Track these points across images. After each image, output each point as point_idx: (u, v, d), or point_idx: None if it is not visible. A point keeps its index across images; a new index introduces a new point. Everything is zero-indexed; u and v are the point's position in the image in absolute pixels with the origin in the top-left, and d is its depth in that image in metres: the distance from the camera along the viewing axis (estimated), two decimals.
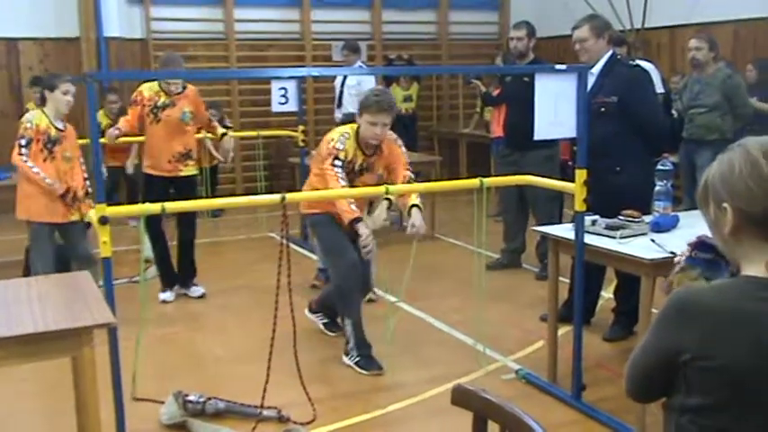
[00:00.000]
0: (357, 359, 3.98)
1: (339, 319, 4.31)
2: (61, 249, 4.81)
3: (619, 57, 4.28)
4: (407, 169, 4.12)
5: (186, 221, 5.19)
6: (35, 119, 4.55)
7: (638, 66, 4.39)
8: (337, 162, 3.88)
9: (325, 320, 4.53)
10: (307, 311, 4.51)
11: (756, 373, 1.38)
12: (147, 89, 5.04)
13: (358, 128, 3.98)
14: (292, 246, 6.14)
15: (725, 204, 1.42)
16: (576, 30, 4.19)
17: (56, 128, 4.59)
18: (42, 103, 4.69)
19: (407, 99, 9.34)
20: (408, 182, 4.08)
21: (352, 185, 3.93)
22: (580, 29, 4.17)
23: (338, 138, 3.95)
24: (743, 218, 1.41)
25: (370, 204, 4.49)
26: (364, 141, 3.98)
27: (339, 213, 3.90)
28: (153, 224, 4.95)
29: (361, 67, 7.82)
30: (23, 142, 4.51)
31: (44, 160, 4.55)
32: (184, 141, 5.07)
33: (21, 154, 4.51)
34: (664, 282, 1.90)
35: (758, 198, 1.38)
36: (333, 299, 4.25)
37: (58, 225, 4.68)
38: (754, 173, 1.39)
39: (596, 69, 4.09)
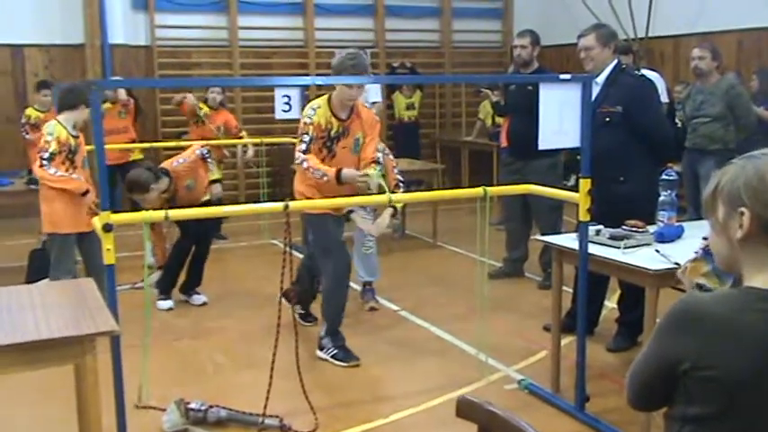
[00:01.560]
0: (334, 351, 4.01)
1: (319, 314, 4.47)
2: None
3: (624, 66, 4.28)
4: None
5: (203, 236, 5.25)
6: (56, 131, 4.54)
7: (643, 75, 4.38)
8: (305, 138, 3.90)
9: (301, 311, 4.66)
10: (284, 300, 4.58)
11: (756, 384, 1.39)
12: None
13: (329, 96, 4.01)
14: (295, 253, 6.16)
15: (743, 209, 1.43)
16: (581, 38, 4.19)
17: (73, 137, 4.61)
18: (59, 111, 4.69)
19: (410, 107, 9.35)
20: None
21: (330, 153, 3.98)
22: (586, 37, 4.16)
23: (307, 112, 3.97)
24: (761, 227, 1.42)
25: (374, 211, 4.53)
26: (339, 106, 3.99)
27: (323, 191, 3.98)
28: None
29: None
30: (46, 156, 4.50)
31: (67, 170, 4.56)
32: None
33: (42, 166, 4.51)
34: (678, 271, 1.90)
35: None
36: (306, 291, 4.62)
37: (80, 235, 4.66)
38: None
39: (601, 79, 4.09)
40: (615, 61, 4.16)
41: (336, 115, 4.00)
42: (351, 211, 4.23)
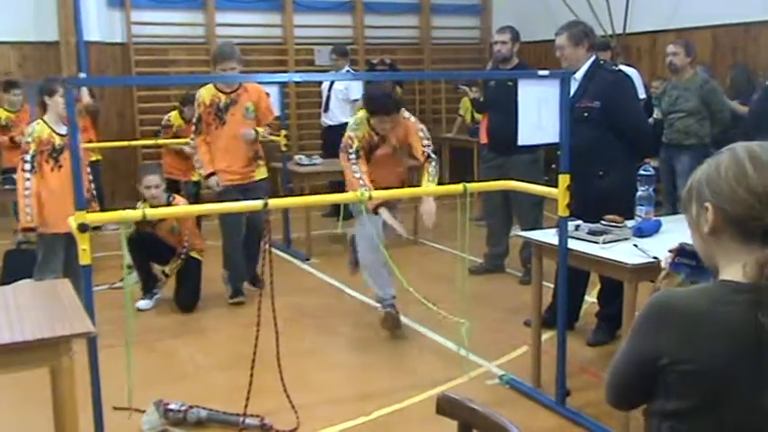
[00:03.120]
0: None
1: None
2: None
3: (602, 62, 4.30)
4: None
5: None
6: (35, 132, 4.49)
7: (620, 71, 4.41)
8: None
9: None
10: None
11: (732, 377, 1.40)
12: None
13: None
14: (275, 251, 6.13)
15: (707, 204, 1.45)
16: (556, 36, 4.23)
17: (59, 135, 4.51)
18: (42, 110, 4.63)
19: None
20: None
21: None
22: (559, 36, 4.20)
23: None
24: (724, 218, 1.43)
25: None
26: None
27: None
28: None
29: (348, 71, 7.80)
30: (27, 158, 4.47)
31: (51, 170, 4.49)
32: None
33: (24, 170, 4.47)
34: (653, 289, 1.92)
35: (740, 199, 1.41)
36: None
37: (68, 235, 4.60)
38: (738, 174, 1.41)
39: (579, 74, 4.11)
40: (593, 57, 4.18)
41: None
42: (379, 205, 4.23)
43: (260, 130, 5.12)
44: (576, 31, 4.20)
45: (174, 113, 7.27)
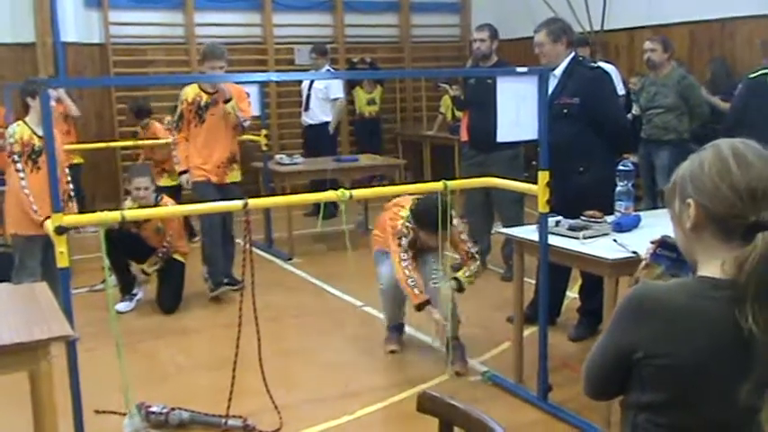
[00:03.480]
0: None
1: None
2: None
3: (581, 58, 4.32)
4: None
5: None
6: (17, 132, 4.47)
7: (599, 67, 4.44)
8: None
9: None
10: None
11: (706, 371, 1.41)
12: None
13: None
14: (256, 251, 6.11)
15: (689, 200, 1.45)
16: (535, 33, 4.25)
17: (39, 137, 4.47)
18: (25, 111, 4.59)
19: (371, 102, 9.33)
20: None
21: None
22: (538, 33, 4.23)
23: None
24: (706, 215, 1.43)
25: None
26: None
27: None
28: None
29: (328, 70, 7.79)
30: (15, 157, 4.45)
31: (31, 171, 4.46)
32: None
33: (16, 170, 4.44)
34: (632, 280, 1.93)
35: (723, 196, 1.41)
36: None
37: (45, 238, 4.56)
38: (722, 170, 1.42)
39: (559, 71, 4.13)
40: (572, 54, 4.21)
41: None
42: (428, 302, 3.87)
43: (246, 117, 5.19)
44: (555, 27, 4.23)
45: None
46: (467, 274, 4.07)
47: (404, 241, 3.94)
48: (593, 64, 4.53)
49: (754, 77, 5.86)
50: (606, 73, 4.36)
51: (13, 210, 4.55)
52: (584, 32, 8.11)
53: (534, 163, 3.45)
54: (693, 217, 1.44)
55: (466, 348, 4.03)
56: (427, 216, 3.81)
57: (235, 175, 5.27)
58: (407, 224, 3.97)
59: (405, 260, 3.91)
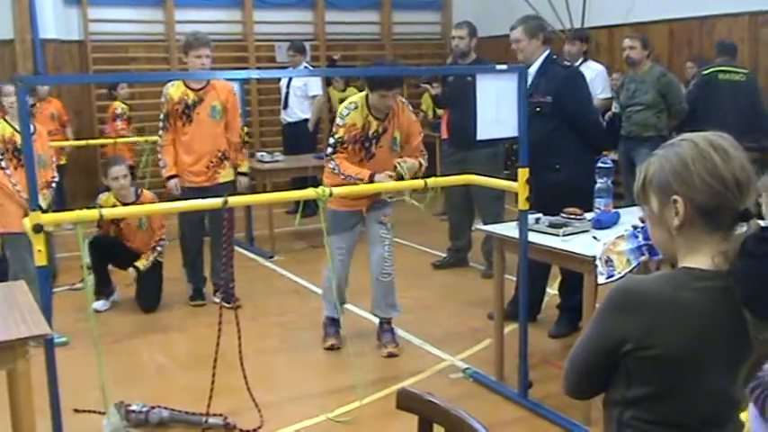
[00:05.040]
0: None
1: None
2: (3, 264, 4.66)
3: (554, 57, 4.35)
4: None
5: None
6: None
7: (571, 66, 4.47)
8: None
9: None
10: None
11: (694, 362, 1.42)
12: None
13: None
14: (237, 249, 6.09)
15: (676, 198, 1.45)
16: (511, 30, 4.27)
17: (21, 133, 4.42)
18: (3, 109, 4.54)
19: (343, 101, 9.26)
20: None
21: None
22: (515, 30, 4.25)
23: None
24: (696, 211, 1.45)
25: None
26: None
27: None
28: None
29: (306, 68, 7.76)
30: None
31: (15, 169, 4.41)
32: None
33: (2, 168, 4.38)
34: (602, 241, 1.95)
35: (713, 189, 1.43)
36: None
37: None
38: (708, 166, 1.43)
39: (533, 69, 4.15)
40: (546, 52, 4.24)
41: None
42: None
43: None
44: (532, 23, 4.26)
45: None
46: (408, 163, 3.91)
47: (332, 141, 3.88)
48: (566, 63, 4.56)
49: (707, 74, 5.99)
50: (579, 72, 4.41)
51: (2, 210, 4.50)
52: (564, 30, 8.15)
53: (513, 159, 3.46)
54: (682, 213, 1.45)
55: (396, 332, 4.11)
56: (373, 77, 3.82)
57: (226, 174, 5.01)
58: (338, 121, 3.90)
59: (334, 168, 3.87)
